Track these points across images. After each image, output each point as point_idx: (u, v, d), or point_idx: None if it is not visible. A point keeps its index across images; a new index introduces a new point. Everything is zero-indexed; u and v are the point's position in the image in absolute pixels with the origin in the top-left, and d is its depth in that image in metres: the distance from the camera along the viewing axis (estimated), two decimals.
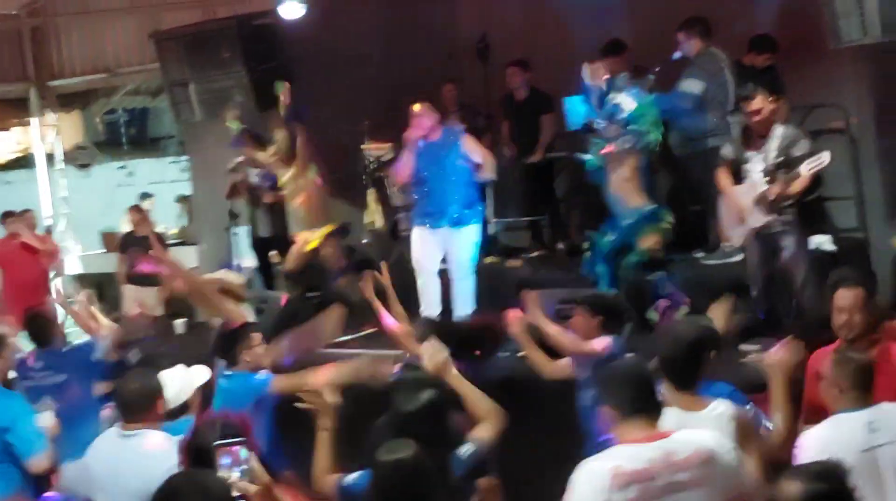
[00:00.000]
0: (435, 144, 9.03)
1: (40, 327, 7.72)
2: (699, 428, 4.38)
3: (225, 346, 6.99)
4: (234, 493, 4.05)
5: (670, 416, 4.34)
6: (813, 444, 4.50)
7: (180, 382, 5.79)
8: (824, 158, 7.24)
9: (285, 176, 10.01)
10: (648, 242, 8.12)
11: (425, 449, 4.50)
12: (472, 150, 9.01)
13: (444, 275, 9.21)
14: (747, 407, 4.96)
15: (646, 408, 4.06)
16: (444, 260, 9.19)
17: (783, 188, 7.37)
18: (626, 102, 8.12)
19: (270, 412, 6.74)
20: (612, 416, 4.07)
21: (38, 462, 6.01)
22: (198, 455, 4.46)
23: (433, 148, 9.03)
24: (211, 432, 4.37)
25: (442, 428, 4.93)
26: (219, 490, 3.85)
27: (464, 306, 8.93)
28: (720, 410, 4.60)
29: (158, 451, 5.01)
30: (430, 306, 9.07)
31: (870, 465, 4.41)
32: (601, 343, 6.26)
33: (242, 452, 4.11)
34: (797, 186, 7.39)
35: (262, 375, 6.76)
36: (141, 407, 5.20)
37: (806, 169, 7.23)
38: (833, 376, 4.68)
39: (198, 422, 5.26)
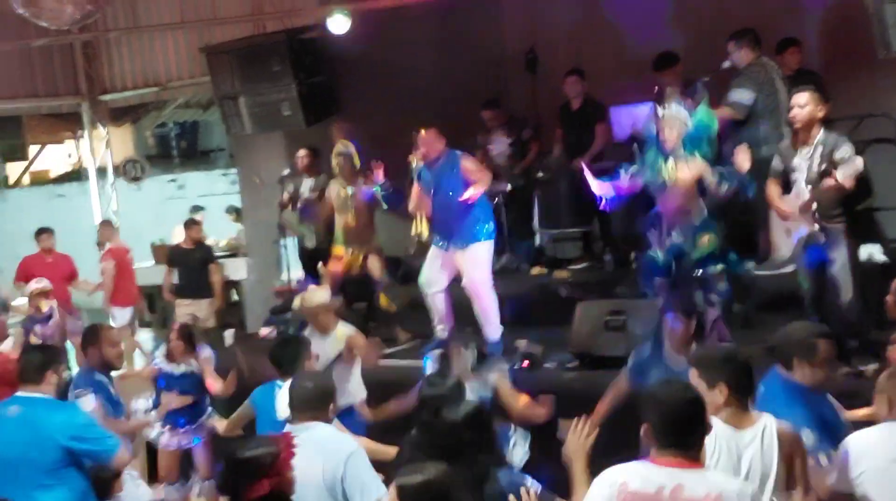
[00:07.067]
0: (436, 169, 9.14)
1: (84, 337, 7.81)
2: (743, 448, 4.46)
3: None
4: None
5: (716, 427, 4.37)
6: (855, 445, 4.58)
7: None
8: (857, 163, 7.10)
9: (344, 189, 10.06)
10: (704, 240, 8.01)
11: (467, 460, 4.53)
12: (470, 172, 9.05)
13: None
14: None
15: (680, 441, 4.02)
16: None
17: (821, 194, 7.24)
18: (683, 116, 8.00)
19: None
20: (650, 438, 4.07)
21: (120, 458, 6.07)
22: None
23: (435, 173, 9.15)
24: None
25: (487, 438, 4.93)
26: None
27: (486, 322, 8.98)
28: (766, 426, 4.59)
29: (333, 438, 5.18)
30: (442, 322, 9.29)
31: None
32: None
33: None
34: (834, 191, 7.18)
35: None
36: (315, 406, 5.30)
37: (840, 175, 7.08)
38: (885, 388, 4.71)
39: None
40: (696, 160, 7.80)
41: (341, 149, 9.81)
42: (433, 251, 9.31)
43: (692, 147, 7.82)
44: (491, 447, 4.94)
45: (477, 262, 9.05)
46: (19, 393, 6.05)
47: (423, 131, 9.11)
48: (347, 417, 7.15)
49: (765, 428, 4.55)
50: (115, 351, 7.74)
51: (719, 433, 4.45)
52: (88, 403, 6.59)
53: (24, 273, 12.14)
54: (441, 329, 9.32)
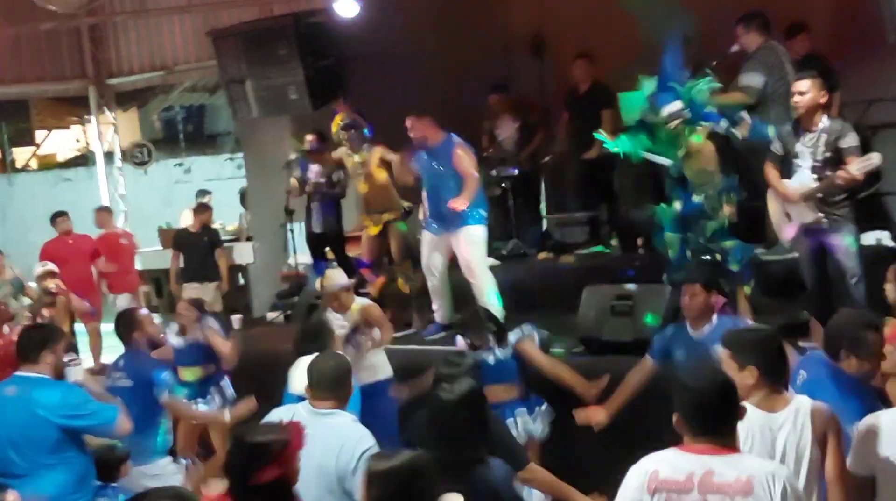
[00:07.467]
0: (432, 151, 9.19)
1: (121, 326, 7.79)
2: (776, 430, 4.42)
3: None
4: None
5: (749, 411, 4.35)
6: (878, 426, 4.50)
7: None
8: (875, 159, 7.07)
9: (354, 160, 10.07)
10: (726, 211, 7.98)
11: (462, 440, 4.57)
12: (461, 167, 9.07)
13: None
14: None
15: (712, 427, 3.99)
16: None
17: (831, 185, 7.23)
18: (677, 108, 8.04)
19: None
20: (682, 427, 4.03)
21: (121, 425, 6.08)
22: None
23: (430, 155, 9.21)
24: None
25: (480, 418, 4.91)
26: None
27: (485, 303, 8.97)
28: (799, 407, 4.55)
29: (353, 431, 5.16)
30: (440, 306, 9.46)
31: None
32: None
33: None
34: (846, 183, 7.16)
35: None
36: (334, 386, 5.31)
37: (855, 169, 7.05)
38: None
39: None
40: (703, 126, 7.88)
41: (346, 120, 9.84)
42: (427, 236, 9.36)
43: (696, 120, 7.91)
44: (484, 428, 4.92)
45: (469, 242, 9.08)
46: (17, 373, 6.08)
47: (411, 117, 9.17)
48: (374, 396, 7.23)
49: (798, 409, 4.51)
50: (156, 328, 7.83)
51: (752, 417, 4.38)
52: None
53: (48, 258, 12.13)
54: (439, 313, 9.48)
